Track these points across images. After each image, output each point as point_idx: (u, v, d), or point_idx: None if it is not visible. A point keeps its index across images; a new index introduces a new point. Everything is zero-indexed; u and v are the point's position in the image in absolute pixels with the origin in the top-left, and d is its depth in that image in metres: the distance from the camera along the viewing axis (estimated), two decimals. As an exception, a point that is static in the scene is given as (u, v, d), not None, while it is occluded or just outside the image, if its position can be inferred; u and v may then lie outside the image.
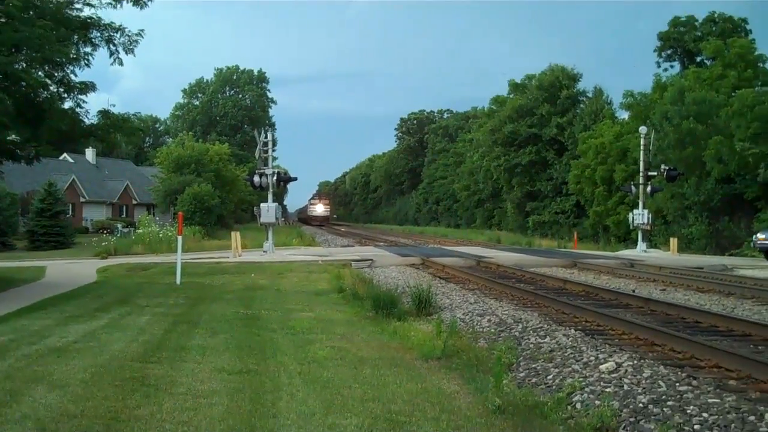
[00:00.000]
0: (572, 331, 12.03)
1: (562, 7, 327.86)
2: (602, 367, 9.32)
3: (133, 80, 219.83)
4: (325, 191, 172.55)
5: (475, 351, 10.82)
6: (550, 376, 9.37)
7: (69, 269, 26.30)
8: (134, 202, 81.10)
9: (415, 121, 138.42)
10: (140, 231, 42.36)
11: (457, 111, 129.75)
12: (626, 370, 9.07)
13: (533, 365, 10.06)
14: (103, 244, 35.96)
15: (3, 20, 18.25)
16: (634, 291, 18.70)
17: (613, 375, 8.95)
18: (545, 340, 11.49)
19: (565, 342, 11.10)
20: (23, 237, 48.13)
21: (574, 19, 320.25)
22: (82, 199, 70.29)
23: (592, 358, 9.92)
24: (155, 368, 9.29)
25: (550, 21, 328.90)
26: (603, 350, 10.35)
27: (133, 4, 21.08)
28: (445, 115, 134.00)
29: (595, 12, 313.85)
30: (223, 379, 8.74)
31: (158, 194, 65.53)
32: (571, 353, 10.36)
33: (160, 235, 38.56)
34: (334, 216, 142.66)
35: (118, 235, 45.88)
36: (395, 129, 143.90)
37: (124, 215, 77.54)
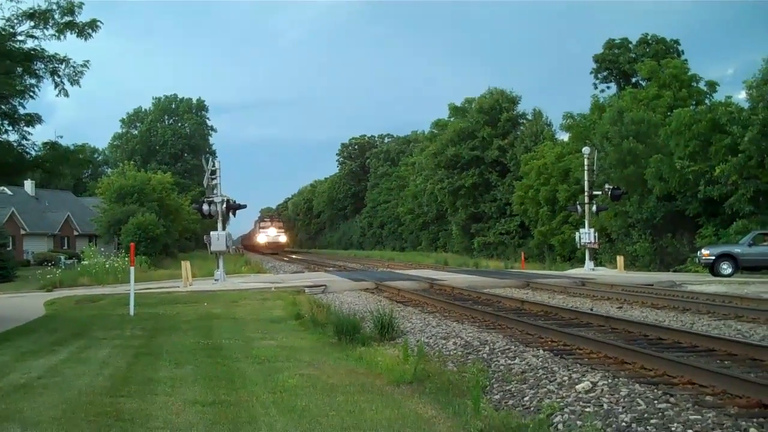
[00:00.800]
0: (541, 351, 12.08)
1: (495, 30, 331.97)
2: (578, 387, 9.35)
3: (69, 110, 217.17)
4: (275, 213, 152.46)
5: (446, 374, 10.79)
6: (527, 398, 9.36)
7: (15, 303, 25.74)
8: (76, 233, 79.85)
9: (356, 146, 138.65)
10: (86, 262, 41.73)
11: (397, 135, 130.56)
12: (602, 389, 9.11)
13: (507, 387, 10.06)
14: (48, 276, 35.30)
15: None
16: (591, 309, 18.88)
17: (590, 394, 8.98)
18: (515, 361, 11.51)
19: (536, 363, 11.13)
20: (-38, 271, 47.03)
21: (507, 43, 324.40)
22: (22, 231, 68.98)
23: (566, 378, 9.95)
24: (127, 402, 9.09)
25: (485, 45, 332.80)
26: (575, 370, 10.40)
27: (77, 36, 20.79)
28: (386, 140, 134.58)
29: (528, 34, 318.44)
30: (198, 411, 8.58)
31: (101, 225, 64.71)
32: (544, 374, 10.38)
33: (107, 266, 37.99)
34: (288, 243, 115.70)
35: (62, 267, 45.04)
36: (337, 154, 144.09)
37: (66, 247, 76.29)
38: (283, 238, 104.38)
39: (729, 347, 11.84)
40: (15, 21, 19.70)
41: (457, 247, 78.77)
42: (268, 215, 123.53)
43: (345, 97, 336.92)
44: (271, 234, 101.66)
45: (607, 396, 8.84)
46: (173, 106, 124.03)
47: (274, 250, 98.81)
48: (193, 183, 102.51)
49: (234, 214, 32.95)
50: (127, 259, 38.16)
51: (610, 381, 9.51)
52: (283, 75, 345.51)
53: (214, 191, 32.55)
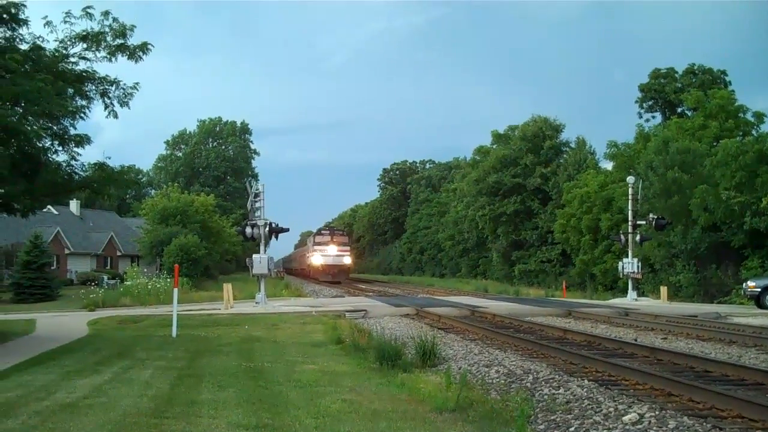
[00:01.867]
0: (585, 381, 11.96)
1: (540, 58, 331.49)
2: (625, 418, 9.23)
3: (115, 131, 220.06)
4: (338, 226, 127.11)
5: (490, 403, 10.70)
6: (572, 428, 9.25)
7: (59, 322, 26.02)
8: (119, 253, 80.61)
9: (397, 171, 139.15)
10: (128, 282, 42.09)
11: (438, 161, 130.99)
12: (650, 422, 8.99)
13: (552, 417, 9.94)
14: (91, 296, 35.69)
15: (2, 74, 18.26)
16: (636, 340, 18.65)
17: (637, 427, 8.87)
18: (559, 391, 11.39)
19: (581, 393, 11.01)
20: (7, 289, 47.75)
21: (552, 70, 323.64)
22: (66, 251, 69.80)
23: (612, 409, 9.83)
24: (172, 424, 9.13)
25: (529, 72, 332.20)
26: (621, 401, 10.27)
27: (128, 58, 21.09)
28: (427, 165, 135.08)
29: (573, 62, 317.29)
30: (242, 435, 8.60)
31: (144, 245, 65.26)
32: (589, 404, 10.27)
33: (149, 287, 38.28)
34: (352, 267, 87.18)
35: (105, 287, 45.47)
36: (378, 179, 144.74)
37: (108, 267, 77.01)
38: (348, 260, 74.33)
39: (778, 382, 11.64)
40: (68, 43, 20.02)
41: (497, 274, 78.39)
42: (327, 228, 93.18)
43: (387, 121, 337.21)
44: (330, 253, 71.84)
45: (654, 428, 8.72)
46: (217, 128, 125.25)
47: (334, 276, 70.67)
48: (235, 206, 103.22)
49: (276, 238, 33.02)
50: (169, 280, 38.49)
51: (657, 413, 9.38)
52: (325, 98, 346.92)
53: (257, 214, 32.70)
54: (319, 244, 72.83)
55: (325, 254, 71.10)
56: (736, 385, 11.65)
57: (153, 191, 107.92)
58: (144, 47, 21.09)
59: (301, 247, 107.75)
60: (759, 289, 31.14)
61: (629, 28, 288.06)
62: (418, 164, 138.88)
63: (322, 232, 79.60)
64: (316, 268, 71.78)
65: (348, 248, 74.78)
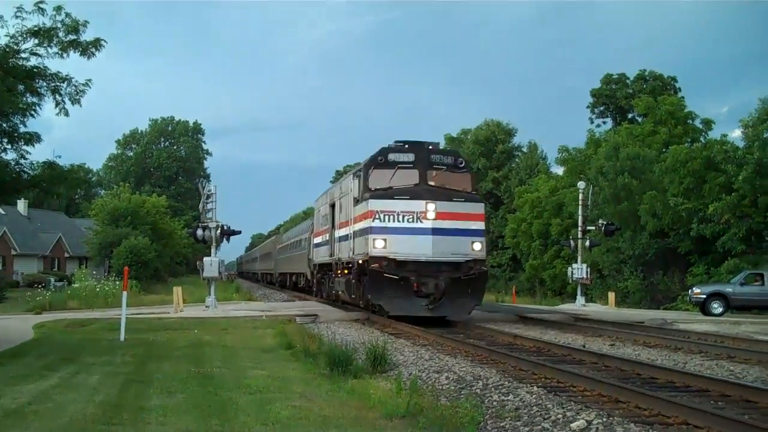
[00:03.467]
0: (534, 388, 12.06)
1: (493, 62, 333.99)
2: (573, 425, 9.33)
3: (64, 129, 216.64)
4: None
5: (439, 409, 10.74)
6: (521, 435, 9.35)
7: (4, 325, 25.53)
8: (67, 255, 79.54)
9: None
10: (76, 285, 41.56)
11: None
12: (597, 429, 9.11)
13: (501, 423, 10.01)
14: (37, 298, 35.18)
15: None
16: (584, 346, 18.85)
17: (585, 434, 8.98)
18: (509, 397, 11.47)
19: (530, 399, 11.11)
20: (-50, 291, 46.82)
21: (505, 74, 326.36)
22: (13, 252, 68.83)
23: (560, 415, 9.93)
24: (120, 430, 9.05)
25: (482, 75, 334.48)
26: (569, 408, 10.38)
27: (81, 54, 20.85)
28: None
29: (526, 67, 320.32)
30: (190, 442, 8.54)
31: (93, 247, 64.54)
32: (538, 411, 10.36)
33: (97, 290, 37.83)
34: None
35: (52, 289, 44.87)
36: (331, 181, 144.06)
37: (56, 268, 76.00)
38: (479, 246, 24.44)
39: (722, 388, 11.84)
40: (19, 38, 19.74)
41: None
42: (409, 144, 25.77)
43: (341, 123, 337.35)
44: (426, 225, 23.75)
45: (602, 436, 8.83)
46: (169, 128, 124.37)
47: (436, 301, 23.52)
48: (186, 207, 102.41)
49: (228, 240, 32.81)
50: (118, 282, 38.03)
51: (605, 420, 9.50)
52: (279, 99, 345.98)
53: (208, 216, 32.47)
54: (384, 195, 24.67)
55: (408, 228, 24.06)
56: (681, 392, 11.85)
57: (103, 191, 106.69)
58: (97, 43, 20.88)
59: (290, 232, 61.09)
60: (704, 296, 31.57)
61: (583, 33, 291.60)
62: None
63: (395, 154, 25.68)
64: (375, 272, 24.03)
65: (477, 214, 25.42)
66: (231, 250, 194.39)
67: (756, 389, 11.44)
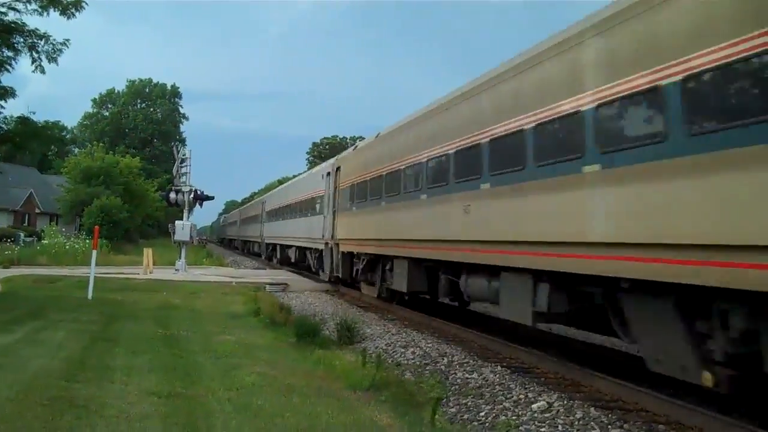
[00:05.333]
0: (498, 367, 12.18)
1: (473, 40, 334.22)
2: (534, 406, 9.45)
3: (41, 85, 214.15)
4: None
5: (404, 384, 10.81)
6: (482, 413, 9.44)
7: (-29, 277, 25.39)
8: (38, 210, 78.93)
9: (327, 146, 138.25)
10: (46, 242, 41.29)
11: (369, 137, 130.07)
12: (558, 411, 9.23)
13: (463, 401, 10.11)
14: (6, 253, 34.90)
15: None
16: (550, 329, 18.94)
17: (545, 415, 9.08)
18: (473, 375, 11.58)
19: (493, 379, 11.22)
20: None
21: (484, 52, 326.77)
22: (-18, 206, 68.20)
23: (522, 396, 10.05)
24: (82, 388, 9.01)
25: (464, 56, 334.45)
26: (531, 389, 10.51)
27: (60, 14, 20.65)
28: (358, 142, 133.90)
29: (508, 48, 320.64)
30: (153, 403, 8.52)
31: (64, 204, 63.86)
32: (500, 390, 10.48)
33: (67, 247, 37.59)
34: None
35: (21, 244, 44.49)
36: (307, 153, 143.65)
37: (26, 224, 75.38)
38: None
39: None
40: (-2, -8, 19.53)
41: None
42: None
43: (322, 95, 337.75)
44: None
45: (562, 417, 8.98)
46: (147, 90, 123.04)
47: None
48: (161, 170, 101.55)
49: (201, 205, 32.74)
50: (88, 241, 37.83)
51: (565, 402, 9.64)
52: (261, 69, 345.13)
53: (182, 180, 32.34)
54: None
55: None
56: (642, 379, 11.96)
57: (77, 149, 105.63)
58: (78, 3, 20.69)
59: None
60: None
61: (569, 17, 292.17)
62: (348, 140, 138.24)
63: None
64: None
65: None
66: (204, 216, 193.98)
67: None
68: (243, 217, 76.78)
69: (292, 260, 40.56)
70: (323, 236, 29.66)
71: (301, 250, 37.70)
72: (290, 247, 41.12)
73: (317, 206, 32.12)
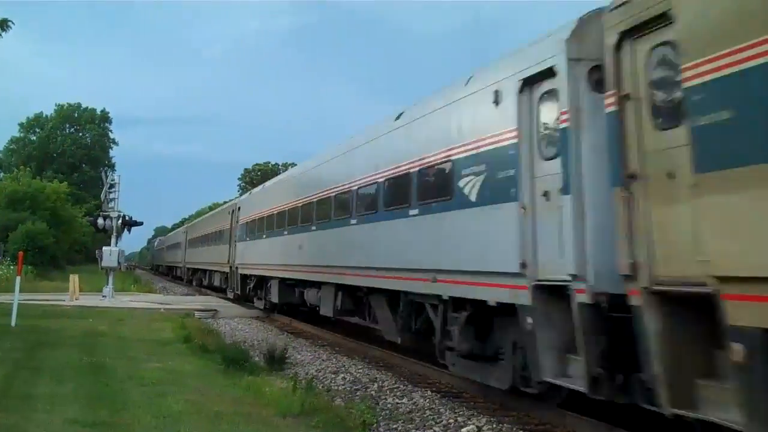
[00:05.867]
0: (429, 392, 12.25)
1: (409, 70, 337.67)
2: (463, 430, 9.50)
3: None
4: None
5: (334, 409, 10.78)
6: (412, 439, 9.47)
7: None
8: (-41, 236, 76.93)
9: (259, 172, 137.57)
10: (-33, 267, 40.34)
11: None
12: (487, 434, 9.29)
13: (394, 426, 10.13)
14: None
15: None
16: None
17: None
18: (403, 400, 11.63)
19: (423, 403, 11.27)
20: None
21: (421, 82, 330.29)
22: None
23: (452, 420, 10.11)
24: (3, 417, 8.82)
25: (399, 83, 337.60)
26: (461, 413, 10.59)
27: (-13, 34, 20.24)
28: (290, 168, 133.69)
29: (443, 77, 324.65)
30: (77, 432, 8.39)
31: (-13, 229, 62.53)
32: (430, 415, 10.52)
33: (-10, 273, 36.77)
34: None
35: (-59, 270, 43.30)
36: (238, 179, 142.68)
37: (-53, 249, 73.40)
38: None
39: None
40: None
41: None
42: None
43: (255, 121, 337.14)
44: None
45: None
46: (75, 114, 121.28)
47: None
48: (89, 195, 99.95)
49: (129, 231, 32.33)
50: (12, 267, 37.01)
51: (494, 426, 9.72)
52: (191, 94, 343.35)
53: (111, 205, 31.94)
54: None
55: None
56: (570, 404, 12.10)
57: (2, 174, 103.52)
58: (4, 24, 20.26)
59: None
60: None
61: (504, 46, 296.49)
62: (280, 166, 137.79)
63: None
64: None
65: None
66: (133, 241, 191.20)
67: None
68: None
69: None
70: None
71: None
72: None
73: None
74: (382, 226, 15.12)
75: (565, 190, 8.93)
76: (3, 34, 20.38)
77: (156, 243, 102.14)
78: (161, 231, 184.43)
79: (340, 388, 13.11)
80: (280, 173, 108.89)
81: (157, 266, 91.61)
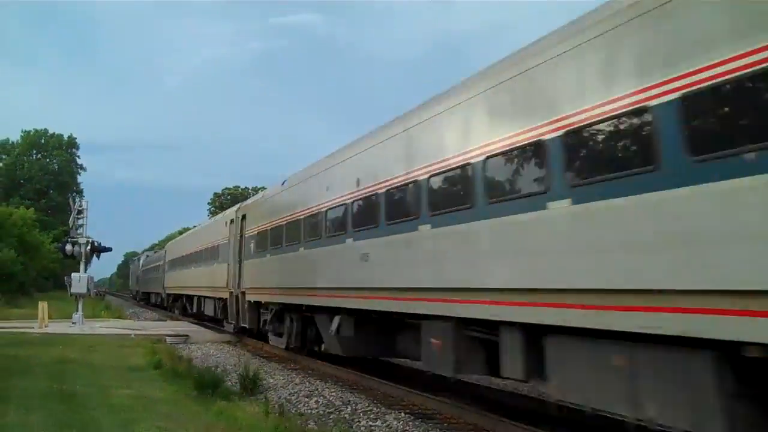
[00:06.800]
0: (402, 414, 12.23)
1: (376, 96, 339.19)
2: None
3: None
4: None
5: (307, 434, 10.76)
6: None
7: None
8: (-75, 264, 75.96)
9: (228, 197, 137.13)
10: (-67, 296, 39.84)
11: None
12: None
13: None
14: None
15: None
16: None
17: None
18: (377, 423, 11.59)
19: (397, 426, 11.25)
20: None
21: (388, 108, 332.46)
22: None
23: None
24: (-28, 448, 8.72)
25: (366, 108, 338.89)
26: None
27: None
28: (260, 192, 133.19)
29: (410, 102, 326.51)
30: (47, 461, 8.29)
31: (-46, 257, 61.87)
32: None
33: (-44, 302, 36.33)
34: None
35: None
36: (208, 203, 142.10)
37: None
38: None
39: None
40: None
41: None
42: None
43: (222, 145, 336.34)
44: None
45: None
46: (42, 141, 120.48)
47: None
48: (57, 221, 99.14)
49: (98, 257, 32.08)
50: (-21, 295, 36.60)
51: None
52: (158, 120, 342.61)
53: (79, 231, 31.69)
54: None
55: None
56: (545, 421, 12.13)
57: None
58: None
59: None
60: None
61: (469, 67, 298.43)
62: (250, 190, 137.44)
63: None
64: None
65: None
66: (102, 267, 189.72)
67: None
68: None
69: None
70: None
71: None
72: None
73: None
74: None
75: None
76: None
77: (141, 261, 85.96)
78: (131, 256, 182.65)
79: (313, 411, 13.06)
80: (249, 197, 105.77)
81: (146, 295, 72.74)
